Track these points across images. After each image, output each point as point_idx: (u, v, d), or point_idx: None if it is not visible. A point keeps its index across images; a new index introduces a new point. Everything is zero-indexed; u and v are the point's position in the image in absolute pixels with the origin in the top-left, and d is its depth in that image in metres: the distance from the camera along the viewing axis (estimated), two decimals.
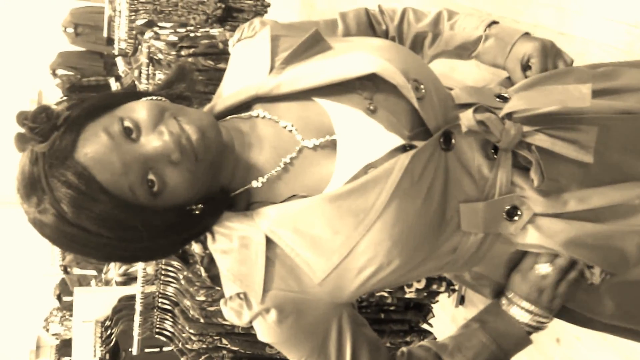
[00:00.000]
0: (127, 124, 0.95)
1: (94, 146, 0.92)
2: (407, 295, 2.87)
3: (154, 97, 1.04)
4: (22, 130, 0.96)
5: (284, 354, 1.09)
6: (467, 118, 1.03)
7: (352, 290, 1.01)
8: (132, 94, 1.05)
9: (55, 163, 0.92)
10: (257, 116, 1.08)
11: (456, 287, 3.10)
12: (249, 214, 1.03)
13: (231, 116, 1.11)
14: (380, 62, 1.02)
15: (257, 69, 1.10)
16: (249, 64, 1.13)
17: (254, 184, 1.04)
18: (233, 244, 1.02)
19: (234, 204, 1.07)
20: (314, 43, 1.10)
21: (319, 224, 0.98)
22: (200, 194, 1.01)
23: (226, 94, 1.13)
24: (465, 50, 1.29)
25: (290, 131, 1.05)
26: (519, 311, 1.10)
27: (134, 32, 3.46)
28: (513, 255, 1.12)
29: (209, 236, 1.07)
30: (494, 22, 1.28)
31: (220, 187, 1.06)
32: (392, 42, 1.16)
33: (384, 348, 1.12)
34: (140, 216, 0.94)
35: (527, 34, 1.25)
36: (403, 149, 1.01)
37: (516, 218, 1.05)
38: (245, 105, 1.11)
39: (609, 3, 2.43)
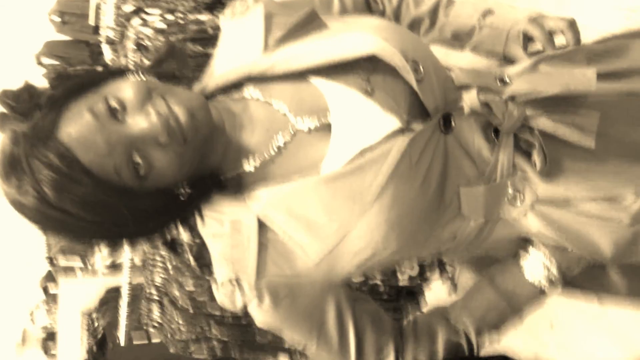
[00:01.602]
0: (112, 103, 0.92)
1: (77, 126, 0.90)
2: (400, 283, 2.87)
3: (142, 76, 1.01)
4: (3, 109, 0.94)
5: (285, 338, 1.08)
6: (470, 99, 1.02)
7: (347, 273, 1.00)
8: (118, 72, 1.02)
9: (37, 143, 0.89)
10: (250, 97, 1.06)
11: (449, 274, 3.09)
12: (240, 197, 1.01)
13: (222, 96, 1.09)
14: (378, 42, 1.00)
15: (250, 47, 1.08)
16: (241, 42, 1.11)
17: (246, 167, 1.02)
18: (224, 228, 1.00)
19: (225, 187, 1.05)
20: (309, 21, 1.07)
21: (314, 206, 0.96)
22: (188, 177, 1.00)
23: (217, 73, 1.10)
24: (458, 40, 1.26)
25: (284, 113, 1.02)
26: (536, 263, 1.07)
27: (121, 19, 3.41)
28: (515, 240, 1.10)
29: (199, 220, 1.05)
30: (489, 11, 1.23)
31: (210, 169, 1.04)
32: (390, 22, 1.14)
33: (387, 319, 1.11)
34: (125, 199, 0.92)
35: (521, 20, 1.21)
36: (401, 131, 0.99)
37: (518, 203, 1.03)
38: (237, 85, 1.08)
39: None
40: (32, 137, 0.90)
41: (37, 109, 0.92)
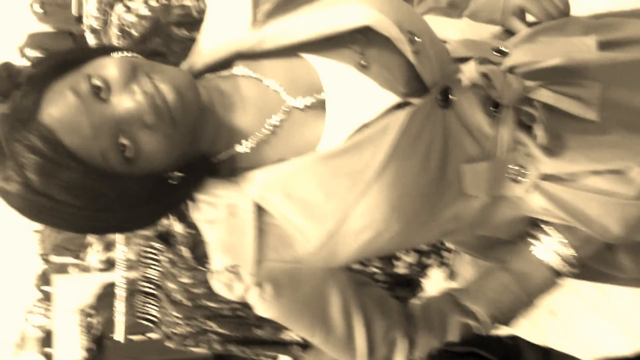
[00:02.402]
0: (95, 82, 0.89)
1: (59, 107, 0.87)
2: (397, 270, 2.86)
3: (127, 53, 0.96)
4: None
5: (289, 327, 1.06)
6: (469, 70, 1.00)
7: (349, 257, 0.98)
8: (102, 49, 0.98)
9: (17, 125, 0.86)
10: (240, 75, 1.02)
11: (447, 261, 3.06)
12: (234, 180, 0.98)
13: (211, 75, 1.04)
14: (372, 13, 0.97)
15: (238, 21, 1.04)
16: (228, 16, 1.06)
17: (239, 148, 0.99)
18: (219, 213, 0.98)
19: (217, 170, 1.02)
20: None
21: (311, 186, 0.93)
22: (178, 160, 0.96)
23: (204, 51, 1.06)
24: (455, 8, 1.23)
25: (276, 90, 0.99)
26: (549, 243, 1.05)
27: (104, 7, 3.36)
28: (519, 220, 1.07)
29: (192, 205, 1.02)
30: None
31: (202, 152, 1.00)
32: None
33: (395, 304, 1.08)
34: (112, 184, 0.89)
35: None
36: (399, 106, 0.96)
37: (521, 179, 1.01)
38: (226, 63, 1.04)
39: None
40: (12, 118, 0.87)
41: (16, 88, 0.89)
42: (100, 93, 0.89)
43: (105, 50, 0.97)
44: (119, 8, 3.24)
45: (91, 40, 3.48)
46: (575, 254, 1.04)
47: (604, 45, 1.05)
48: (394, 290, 2.95)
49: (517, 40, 1.09)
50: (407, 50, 0.97)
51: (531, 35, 1.09)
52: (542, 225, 1.05)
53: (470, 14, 1.20)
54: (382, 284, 2.93)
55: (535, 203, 1.02)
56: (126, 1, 3.29)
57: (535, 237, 1.06)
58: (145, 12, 3.18)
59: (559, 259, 1.04)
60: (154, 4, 3.28)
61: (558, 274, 1.05)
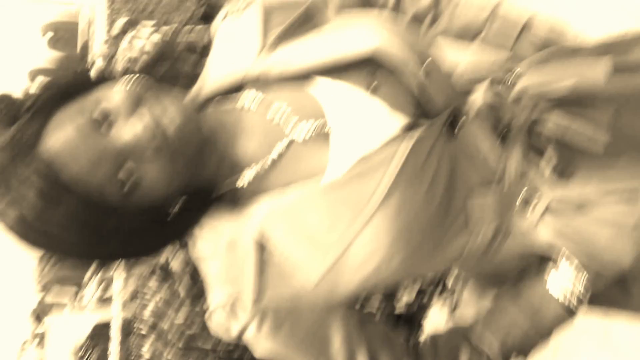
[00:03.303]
0: (96, 114, 0.88)
1: (59, 139, 0.86)
2: (397, 311, 2.81)
3: (133, 79, 0.95)
4: None
5: None
6: (482, 91, 1.00)
7: (351, 290, 0.95)
8: (105, 78, 0.98)
9: (16, 158, 0.85)
10: (245, 106, 1.02)
11: (447, 301, 2.98)
12: (235, 213, 0.97)
13: (216, 104, 1.04)
14: (380, 38, 0.98)
15: (246, 48, 1.04)
16: (237, 42, 1.06)
17: (240, 181, 0.98)
18: (219, 247, 0.97)
19: (218, 202, 1.00)
20: (308, 18, 1.05)
21: (313, 217, 0.92)
22: (178, 193, 0.95)
23: (212, 77, 1.06)
24: (467, 32, 1.24)
25: (279, 122, 0.98)
26: (561, 278, 1.02)
27: (113, 32, 3.39)
28: (527, 255, 1.05)
29: (190, 240, 1.01)
30: (501, 4, 1.23)
31: (202, 185, 0.99)
32: (392, 18, 1.11)
33: (400, 342, 1.06)
34: (110, 218, 0.89)
35: (534, 15, 1.21)
36: (405, 132, 0.95)
37: (530, 210, 1.00)
38: (232, 91, 1.04)
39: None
40: (11, 149, 0.86)
41: (18, 118, 0.89)
42: (101, 125, 0.88)
43: (109, 79, 0.97)
44: (130, 33, 3.30)
45: (100, 63, 3.49)
46: (587, 289, 1.02)
47: (615, 68, 1.06)
48: (394, 330, 2.84)
49: (529, 62, 1.09)
50: (413, 75, 0.97)
51: (543, 57, 1.10)
52: (553, 260, 1.04)
53: (483, 39, 1.22)
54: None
55: (543, 235, 1.01)
56: (136, 27, 3.30)
57: (546, 272, 1.04)
58: (156, 37, 3.20)
59: (571, 295, 1.02)
60: (164, 29, 3.27)
61: (570, 310, 1.03)
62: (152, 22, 3.32)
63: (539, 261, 1.05)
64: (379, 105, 0.97)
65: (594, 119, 1.01)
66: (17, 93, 0.96)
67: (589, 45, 1.14)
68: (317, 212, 0.92)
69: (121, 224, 0.90)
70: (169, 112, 0.90)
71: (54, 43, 4.59)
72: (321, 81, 1.00)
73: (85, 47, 4.16)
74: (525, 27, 1.19)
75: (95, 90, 0.93)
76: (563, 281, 1.02)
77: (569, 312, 1.04)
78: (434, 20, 1.25)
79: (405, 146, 0.92)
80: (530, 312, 1.04)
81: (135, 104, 0.90)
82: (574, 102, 1.02)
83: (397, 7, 1.26)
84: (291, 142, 0.98)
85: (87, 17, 4.18)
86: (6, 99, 0.92)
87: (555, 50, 1.12)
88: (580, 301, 1.02)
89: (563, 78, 1.02)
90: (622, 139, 1.04)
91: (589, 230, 0.99)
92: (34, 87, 0.93)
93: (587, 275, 1.01)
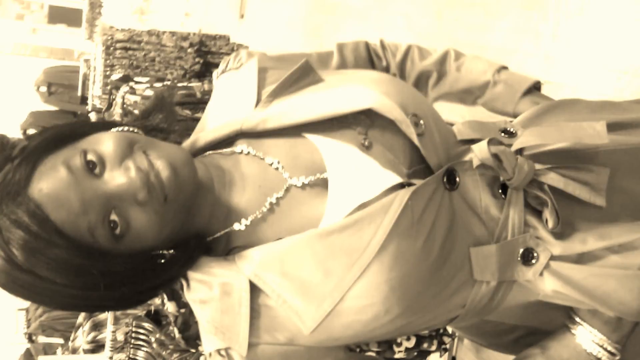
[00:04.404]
0: (90, 157, 0.86)
1: (50, 181, 0.84)
2: (396, 356, 2.74)
3: (126, 128, 0.96)
4: None
5: None
6: (481, 150, 0.97)
7: (346, 340, 0.92)
8: (101, 124, 0.97)
9: (6, 199, 0.83)
10: (241, 152, 1.00)
11: (447, 346, 2.99)
12: (230, 258, 0.93)
13: (212, 152, 1.03)
14: (376, 95, 0.96)
15: (243, 102, 1.03)
16: (233, 96, 1.06)
17: (236, 226, 0.95)
18: (213, 292, 0.93)
19: (212, 248, 0.98)
20: (304, 75, 1.03)
21: (309, 265, 0.88)
22: (170, 238, 0.92)
23: (208, 128, 1.05)
24: (470, 95, 1.23)
25: (277, 169, 0.96)
26: (589, 332, 1.00)
27: (108, 88, 3.41)
28: (530, 305, 1.03)
29: (184, 284, 0.97)
30: (503, 68, 1.22)
31: (196, 230, 0.97)
32: (389, 75, 1.09)
33: None
34: (99, 262, 0.85)
35: (537, 82, 1.21)
36: (400, 187, 0.93)
37: (533, 262, 0.97)
38: (228, 141, 1.03)
39: (598, 50, 2.41)
40: (1, 191, 0.84)
41: (8, 161, 0.86)
42: (94, 169, 0.86)
43: (104, 125, 0.96)
44: (123, 88, 3.32)
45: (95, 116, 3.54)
46: (609, 340, 1.00)
47: (610, 127, 1.03)
48: None
49: (523, 119, 1.08)
50: (411, 132, 0.95)
51: (537, 114, 1.08)
52: (577, 314, 1.01)
53: (484, 102, 1.21)
54: None
55: (547, 286, 0.97)
56: (131, 82, 3.38)
57: (572, 326, 1.02)
58: (150, 93, 3.26)
59: (601, 348, 0.99)
60: (158, 85, 3.36)
61: None
62: (146, 79, 3.42)
63: (562, 314, 1.03)
64: (371, 162, 0.96)
65: (590, 180, 1.00)
66: (14, 135, 0.95)
67: (579, 102, 1.13)
68: (313, 258, 0.89)
69: (110, 268, 0.87)
70: (164, 155, 0.89)
71: (46, 97, 4.58)
72: (313, 138, 0.99)
73: (84, 98, 4.15)
74: (526, 93, 1.18)
75: (91, 134, 0.92)
76: (591, 334, 1.00)
77: None
78: (439, 80, 1.25)
79: (402, 197, 0.89)
80: None
81: (130, 147, 0.89)
82: (570, 163, 1.00)
83: (402, 68, 1.27)
84: (290, 187, 0.96)
85: (83, 72, 4.20)
86: (1, 140, 0.92)
87: (547, 106, 1.11)
88: (607, 352, 0.99)
89: (559, 139, 1.01)
90: (617, 200, 1.02)
91: (593, 277, 0.96)
92: (31, 131, 0.97)
93: (602, 325, 0.99)
